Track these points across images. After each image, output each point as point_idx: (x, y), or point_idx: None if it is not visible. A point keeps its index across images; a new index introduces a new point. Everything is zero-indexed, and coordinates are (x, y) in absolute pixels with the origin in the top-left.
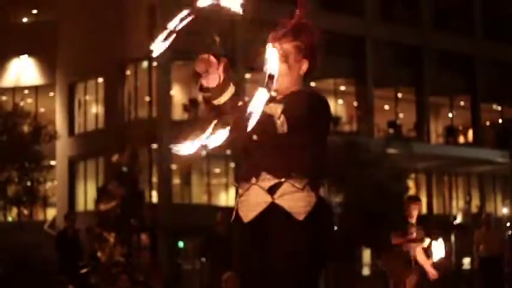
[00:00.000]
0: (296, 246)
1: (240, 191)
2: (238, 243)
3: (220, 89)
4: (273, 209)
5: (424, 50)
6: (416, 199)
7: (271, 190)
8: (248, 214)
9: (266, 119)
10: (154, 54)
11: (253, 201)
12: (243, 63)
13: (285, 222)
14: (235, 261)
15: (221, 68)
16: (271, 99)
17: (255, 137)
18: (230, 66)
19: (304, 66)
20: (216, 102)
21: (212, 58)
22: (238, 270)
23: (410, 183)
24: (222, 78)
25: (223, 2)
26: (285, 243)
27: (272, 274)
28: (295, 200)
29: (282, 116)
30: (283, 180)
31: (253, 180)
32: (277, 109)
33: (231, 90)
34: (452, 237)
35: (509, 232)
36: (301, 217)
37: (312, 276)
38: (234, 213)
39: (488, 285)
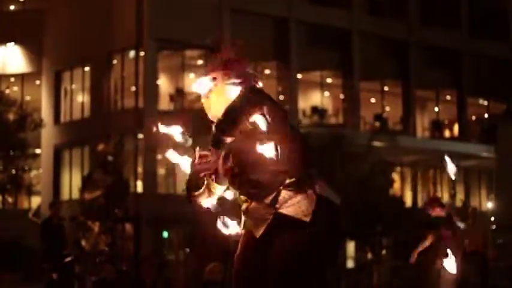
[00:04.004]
0: (308, 245)
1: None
2: (247, 257)
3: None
4: (279, 219)
5: (410, 44)
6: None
7: (272, 202)
8: (257, 230)
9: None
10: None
11: (257, 216)
12: None
13: (294, 227)
14: (238, 272)
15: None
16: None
17: (229, 165)
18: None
19: None
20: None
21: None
22: (240, 279)
23: (396, 177)
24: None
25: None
26: (296, 245)
27: (279, 276)
28: (297, 203)
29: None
30: (280, 189)
31: None
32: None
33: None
34: None
35: (494, 227)
36: (308, 218)
37: (311, 275)
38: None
39: (473, 279)
